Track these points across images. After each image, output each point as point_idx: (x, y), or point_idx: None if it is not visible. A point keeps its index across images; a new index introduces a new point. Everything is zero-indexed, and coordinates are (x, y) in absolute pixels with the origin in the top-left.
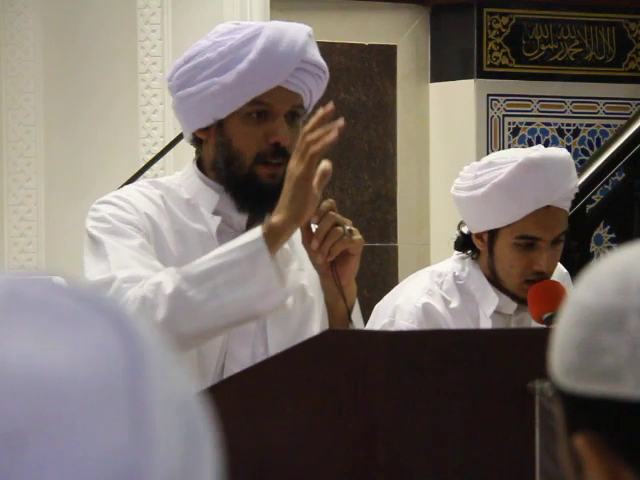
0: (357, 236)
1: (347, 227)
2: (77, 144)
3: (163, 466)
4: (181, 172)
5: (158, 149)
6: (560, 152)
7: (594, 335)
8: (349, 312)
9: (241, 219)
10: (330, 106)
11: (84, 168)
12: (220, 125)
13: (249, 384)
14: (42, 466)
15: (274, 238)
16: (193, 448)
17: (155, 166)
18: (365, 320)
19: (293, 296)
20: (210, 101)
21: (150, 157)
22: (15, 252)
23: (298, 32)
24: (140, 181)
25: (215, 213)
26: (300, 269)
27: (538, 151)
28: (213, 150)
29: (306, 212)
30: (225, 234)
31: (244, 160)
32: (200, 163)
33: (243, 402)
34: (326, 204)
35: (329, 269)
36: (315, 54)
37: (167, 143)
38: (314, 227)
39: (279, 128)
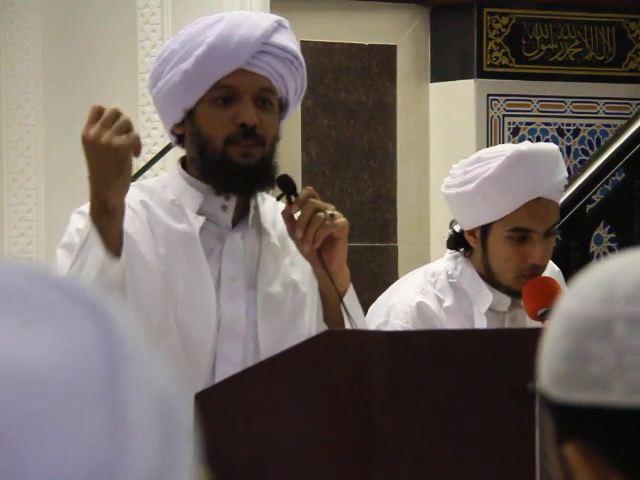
0: (340, 219)
1: (329, 212)
2: (77, 144)
3: (140, 461)
4: (167, 173)
5: (158, 149)
6: (548, 145)
7: (581, 344)
8: (341, 298)
9: (226, 217)
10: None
11: (84, 168)
12: (190, 116)
13: (249, 384)
14: (13, 462)
15: (95, 214)
16: (171, 441)
17: (155, 166)
18: None
19: (284, 290)
20: (176, 91)
21: (150, 157)
22: (15, 252)
23: (263, 18)
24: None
25: (200, 213)
26: (292, 264)
27: (526, 144)
28: (188, 143)
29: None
30: (209, 231)
31: (215, 144)
32: (185, 163)
33: (243, 403)
34: (305, 192)
35: (317, 257)
36: (284, 40)
37: (167, 143)
38: (297, 217)
39: (244, 109)
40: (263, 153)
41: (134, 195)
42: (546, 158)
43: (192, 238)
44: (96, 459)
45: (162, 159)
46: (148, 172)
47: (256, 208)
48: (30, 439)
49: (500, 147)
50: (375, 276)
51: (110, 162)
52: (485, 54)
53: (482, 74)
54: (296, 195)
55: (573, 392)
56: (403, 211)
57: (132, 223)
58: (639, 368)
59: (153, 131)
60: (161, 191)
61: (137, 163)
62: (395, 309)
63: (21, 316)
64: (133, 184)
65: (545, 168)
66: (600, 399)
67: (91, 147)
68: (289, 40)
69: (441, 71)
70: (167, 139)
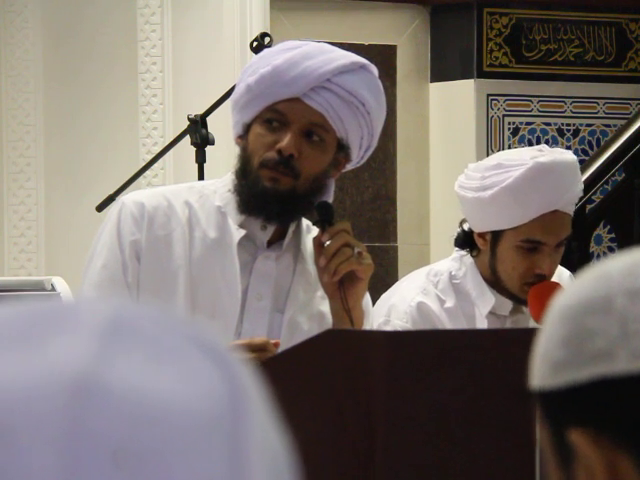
0: (367, 261)
1: (357, 250)
2: (77, 144)
3: None
4: (222, 178)
5: (158, 149)
6: (568, 155)
7: (581, 324)
8: None
9: (263, 236)
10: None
11: (84, 168)
12: (247, 131)
13: None
14: None
15: None
16: None
17: (155, 166)
18: None
19: (310, 321)
20: (239, 102)
21: (150, 157)
22: (15, 252)
23: (342, 56)
24: (180, 185)
25: (241, 226)
26: (322, 297)
27: (546, 154)
28: (239, 156)
29: None
30: (244, 246)
31: (253, 163)
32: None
33: None
34: (340, 224)
35: (336, 290)
36: (353, 82)
37: (167, 143)
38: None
39: (286, 137)
40: (296, 185)
41: (180, 194)
42: (566, 171)
43: (229, 249)
44: None
45: (162, 159)
46: (148, 172)
47: (296, 234)
48: (150, 471)
49: (520, 154)
50: (375, 276)
51: None
52: (485, 54)
53: (482, 74)
54: (331, 224)
55: (575, 371)
56: (403, 211)
57: (167, 224)
58: None
59: (153, 131)
60: (210, 195)
61: (137, 163)
62: (396, 308)
63: (151, 355)
64: (186, 185)
65: (564, 181)
66: (605, 371)
67: None
68: (362, 85)
69: (441, 71)
70: (167, 139)
